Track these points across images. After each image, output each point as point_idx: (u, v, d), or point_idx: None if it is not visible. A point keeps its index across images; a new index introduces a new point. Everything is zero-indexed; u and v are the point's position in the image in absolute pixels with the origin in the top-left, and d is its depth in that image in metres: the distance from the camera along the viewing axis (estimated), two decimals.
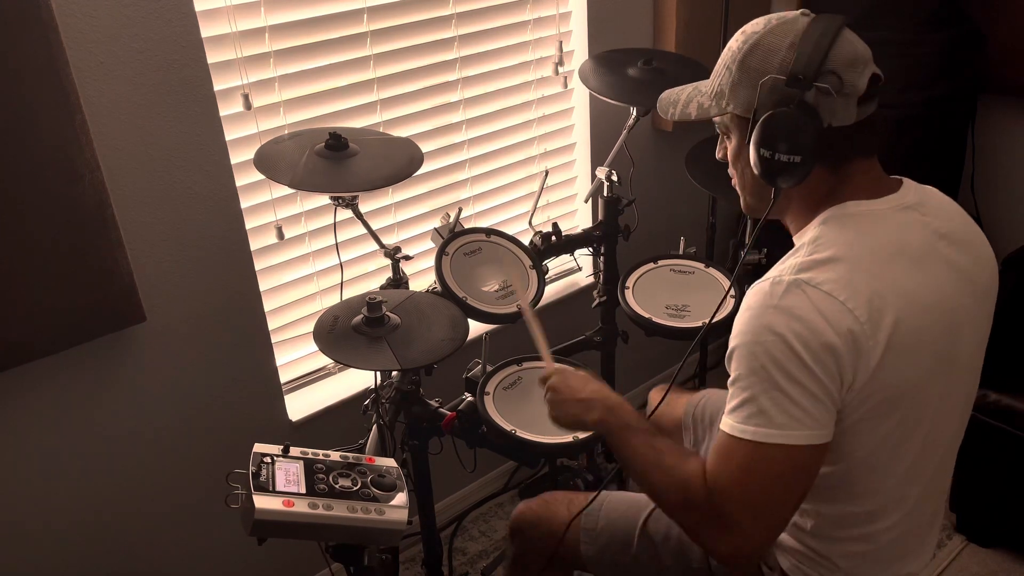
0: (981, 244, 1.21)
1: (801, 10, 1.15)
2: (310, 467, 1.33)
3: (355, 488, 1.32)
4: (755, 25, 1.15)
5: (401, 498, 1.34)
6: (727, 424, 1.09)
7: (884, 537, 1.21)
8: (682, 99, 1.28)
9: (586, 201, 2.22)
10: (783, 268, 1.10)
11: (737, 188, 1.26)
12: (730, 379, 1.10)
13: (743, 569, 1.33)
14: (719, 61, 1.19)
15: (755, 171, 1.14)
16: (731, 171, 1.25)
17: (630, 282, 1.98)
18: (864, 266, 1.08)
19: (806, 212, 1.17)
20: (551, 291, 2.45)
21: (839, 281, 1.06)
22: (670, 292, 1.95)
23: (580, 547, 1.49)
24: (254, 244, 1.87)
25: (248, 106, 1.78)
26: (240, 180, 1.80)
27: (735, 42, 1.16)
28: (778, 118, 1.09)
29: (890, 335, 1.06)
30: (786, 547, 1.27)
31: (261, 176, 1.71)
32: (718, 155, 1.27)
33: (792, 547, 1.26)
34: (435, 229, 1.88)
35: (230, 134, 1.77)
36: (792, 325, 1.04)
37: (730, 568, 1.34)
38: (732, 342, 1.10)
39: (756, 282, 1.12)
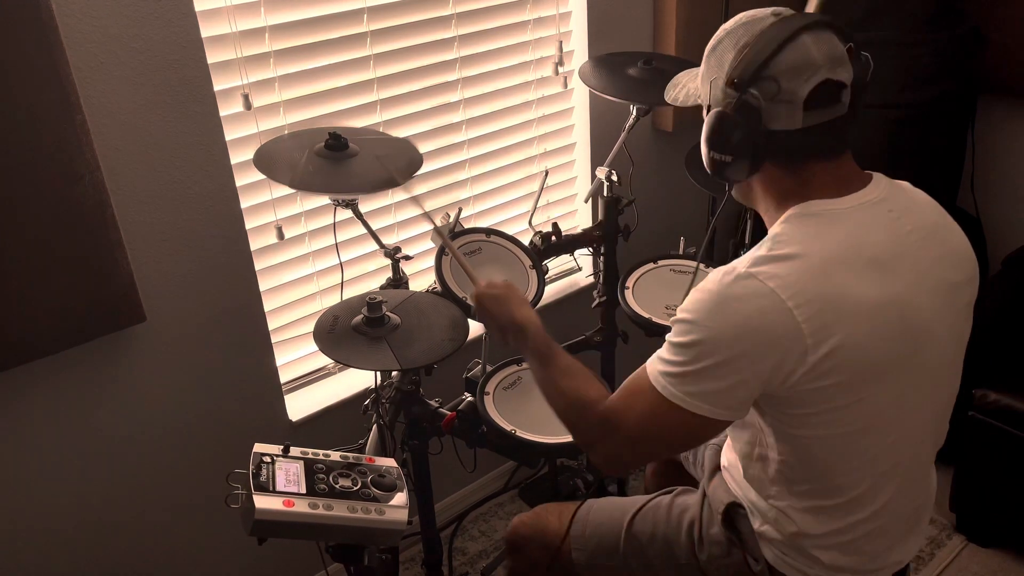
0: (954, 238, 1.21)
1: (773, 9, 1.16)
2: (310, 467, 1.33)
3: (355, 488, 1.32)
4: (732, 21, 1.18)
5: (401, 498, 1.34)
6: (652, 364, 1.16)
7: (860, 529, 1.23)
8: (681, 82, 1.34)
9: (586, 201, 2.22)
10: (743, 259, 1.13)
11: None
12: (669, 333, 1.15)
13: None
14: None
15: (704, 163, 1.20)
16: None
17: (630, 282, 1.97)
18: (817, 267, 1.09)
19: (773, 206, 1.19)
20: (551, 291, 2.45)
21: (787, 279, 1.08)
22: (670, 292, 1.94)
23: (572, 554, 1.50)
24: (254, 244, 1.87)
25: (248, 106, 1.78)
26: (240, 180, 1.80)
27: (714, 36, 1.19)
28: (713, 119, 1.15)
29: (833, 338, 1.07)
30: (770, 538, 1.29)
31: (261, 176, 1.71)
32: None
33: (775, 538, 1.28)
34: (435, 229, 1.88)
35: (230, 134, 1.77)
36: (732, 317, 1.08)
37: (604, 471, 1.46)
38: (680, 311, 1.14)
39: (723, 266, 1.15)
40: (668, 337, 1.15)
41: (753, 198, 1.24)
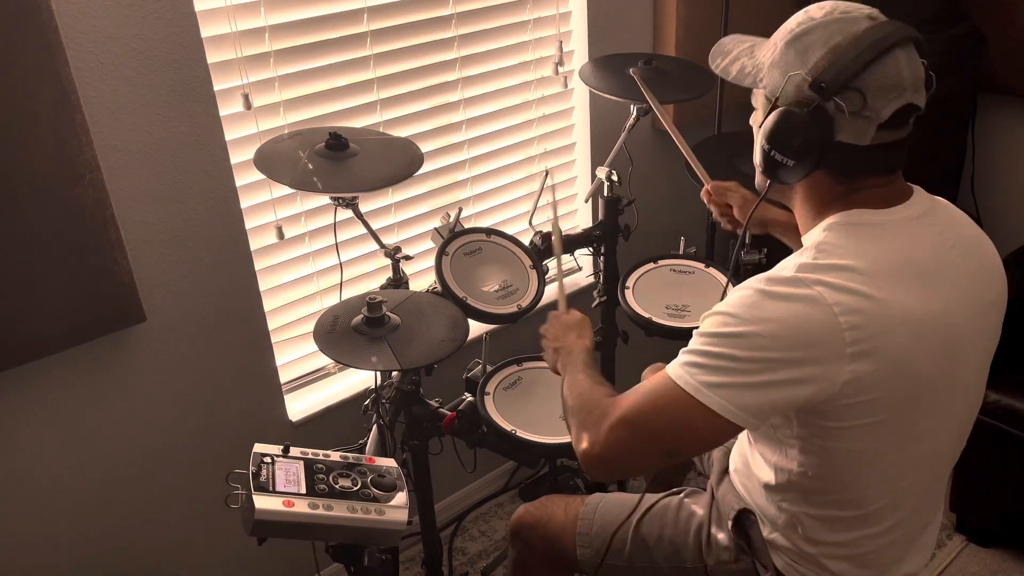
0: (990, 254, 1.20)
1: (871, 10, 1.09)
2: (310, 467, 1.33)
3: (355, 488, 1.32)
4: (819, 10, 1.10)
5: (401, 498, 1.34)
6: (672, 368, 1.08)
7: (874, 543, 1.21)
8: (732, 54, 1.21)
9: (586, 201, 2.22)
10: (786, 264, 1.10)
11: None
12: (698, 329, 1.09)
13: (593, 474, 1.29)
14: (776, 32, 1.15)
15: (755, 157, 1.14)
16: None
17: (630, 282, 1.98)
18: (865, 278, 1.06)
19: (812, 210, 1.16)
20: (551, 291, 2.45)
21: (834, 287, 1.04)
22: (670, 292, 1.95)
23: (576, 551, 1.50)
24: (254, 244, 1.87)
25: (248, 106, 1.78)
26: (240, 180, 1.80)
27: (794, 20, 1.12)
28: (786, 117, 1.07)
29: (877, 351, 1.04)
30: (780, 546, 1.27)
31: (261, 176, 1.71)
32: (750, 121, 1.23)
33: (785, 546, 1.26)
34: (435, 229, 1.88)
35: (230, 134, 1.77)
36: (777, 315, 1.03)
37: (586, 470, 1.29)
38: (718, 307, 1.08)
39: (761, 273, 1.11)
40: (697, 332, 1.09)
41: (790, 199, 1.20)
